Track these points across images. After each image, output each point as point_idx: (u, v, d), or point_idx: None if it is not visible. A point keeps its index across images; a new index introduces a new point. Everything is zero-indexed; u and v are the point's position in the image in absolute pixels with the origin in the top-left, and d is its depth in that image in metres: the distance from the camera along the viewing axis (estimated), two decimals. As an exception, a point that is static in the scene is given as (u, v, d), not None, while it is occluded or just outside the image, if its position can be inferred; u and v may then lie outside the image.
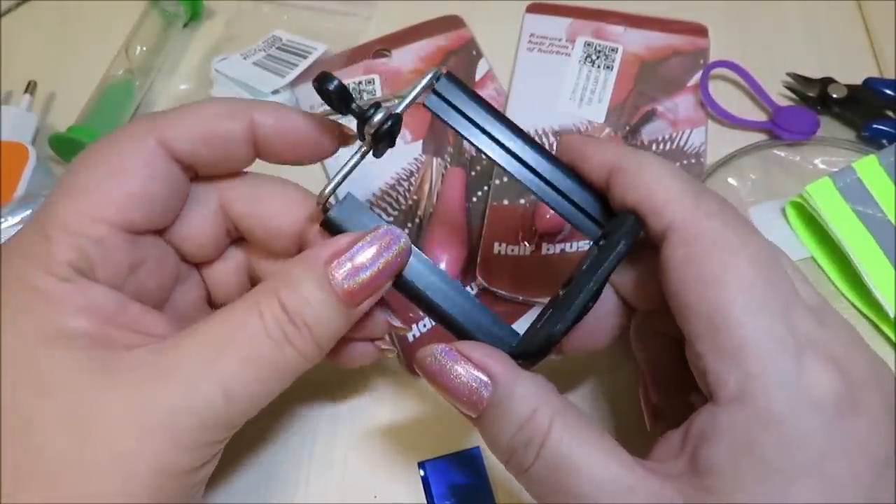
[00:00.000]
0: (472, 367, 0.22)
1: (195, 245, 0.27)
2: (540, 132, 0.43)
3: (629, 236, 0.23)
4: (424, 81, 0.25)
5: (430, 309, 0.25)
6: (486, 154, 0.26)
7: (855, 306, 0.37)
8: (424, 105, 0.26)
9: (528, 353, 0.23)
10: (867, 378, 0.20)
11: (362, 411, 0.34)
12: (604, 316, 0.26)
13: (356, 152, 0.25)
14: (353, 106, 0.24)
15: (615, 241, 0.23)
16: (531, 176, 0.26)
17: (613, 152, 0.24)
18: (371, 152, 0.25)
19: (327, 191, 0.25)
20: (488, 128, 0.26)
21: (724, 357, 0.20)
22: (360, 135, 0.25)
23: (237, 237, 0.29)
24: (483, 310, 0.25)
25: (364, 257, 0.23)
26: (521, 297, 0.36)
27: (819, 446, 0.19)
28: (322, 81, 0.24)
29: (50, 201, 0.23)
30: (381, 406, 0.34)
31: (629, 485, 0.20)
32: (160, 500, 0.21)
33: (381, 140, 0.24)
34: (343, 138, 0.27)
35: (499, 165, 0.26)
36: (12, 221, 0.38)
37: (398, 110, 0.25)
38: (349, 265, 0.23)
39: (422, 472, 0.32)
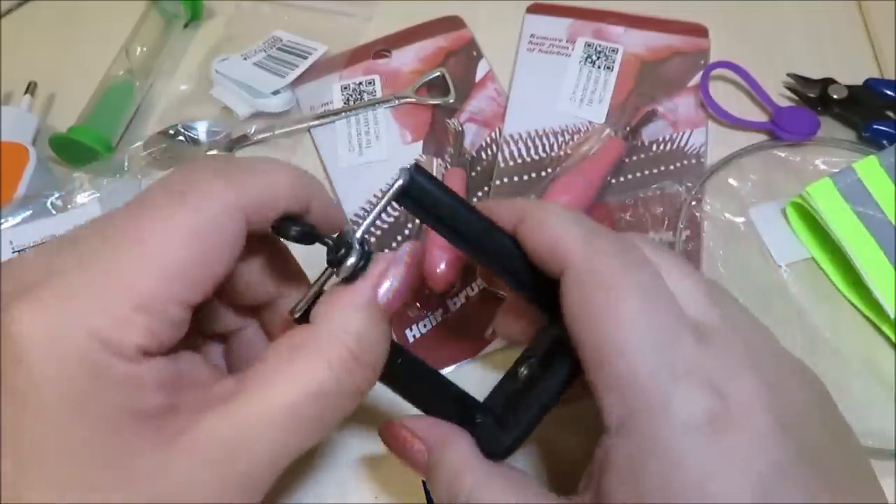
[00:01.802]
0: (413, 437, 0.26)
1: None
2: (540, 132, 0.43)
3: (567, 368, 0.24)
4: (394, 189, 0.24)
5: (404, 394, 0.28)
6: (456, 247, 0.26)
7: (855, 306, 0.37)
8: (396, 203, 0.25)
9: (493, 455, 0.26)
10: (751, 395, 0.21)
11: (362, 411, 0.34)
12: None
13: (323, 275, 0.25)
14: (324, 242, 0.24)
15: (555, 370, 0.25)
16: (493, 262, 0.26)
17: (519, 206, 0.25)
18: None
19: (299, 306, 0.25)
20: (457, 223, 0.25)
21: (609, 390, 0.21)
22: (329, 261, 0.24)
23: None
24: (443, 389, 0.27)
25: (395, 280, 0.25)
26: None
27: (698, 468, 0.20)
28: (281, 229, 0.23)
29: (103, 276, 0.20)
30: (381, 406, 0.34)
31: None
32: None
33: (355, 276, 0.24)
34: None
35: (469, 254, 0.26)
36: (12, 222, 0.38)
37: (367, 247, 0.24)
38: (385, 291, 0.25)
39: (422, 473, 0.32)
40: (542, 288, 0.25)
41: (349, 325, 0.23)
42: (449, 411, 0.27)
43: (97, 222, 0.22)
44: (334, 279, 0.25)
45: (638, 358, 0.21)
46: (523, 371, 0.26)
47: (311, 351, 0.22)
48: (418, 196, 0.24)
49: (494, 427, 0.26)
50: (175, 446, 0.20)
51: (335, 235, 0.24)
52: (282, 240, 0.25)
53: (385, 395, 0.34)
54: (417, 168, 0.24)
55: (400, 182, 0.23)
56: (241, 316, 0.28)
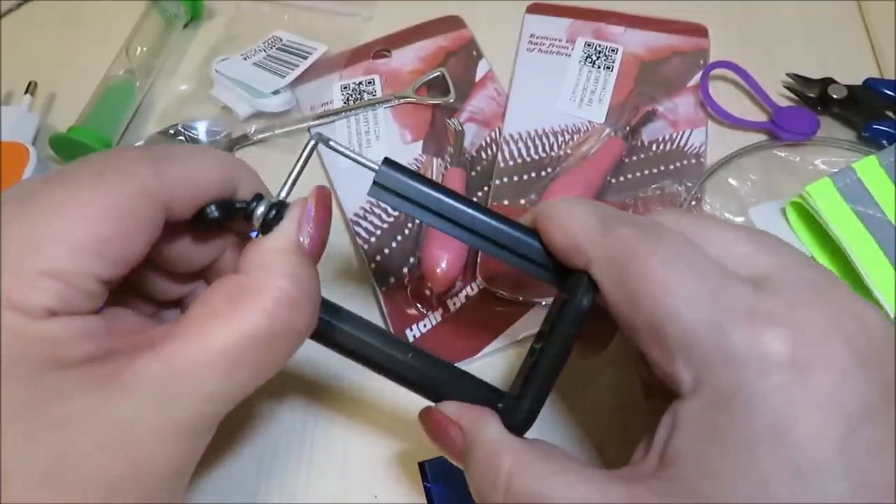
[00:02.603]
0: (449, 422, 0.25)
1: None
2: (540, 132, 0.43)
3: (587, 296, 0.24)
4: (306, 152, 0.26)
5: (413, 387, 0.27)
6: (438, 229, 0.27)
7: (855, 307, 0.37)
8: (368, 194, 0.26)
9: (513, 429, 0.25)
10: (827, 331, 0.20)
11: (362, 411, 0.34)
12: (593, 332, 0.28)
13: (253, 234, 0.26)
14: (238, 206, 0.25)
15: (575, 304, 0.24)
16: (482, 241, 0.27)
17: (532, 211, 0.26)
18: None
19: None
20: (435, 205, 0.26)
21: (671, 358, 0.21)
22: (245, 216, 0.25)
23: None
24: (463, 378, 0.27)
25: (316, 220, 0.25)
26: (520, 297, 0.36)
27: (777, 411, 0.19)
28: (201, 219, 0.24)
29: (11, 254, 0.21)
30: (382, 406, 0.34)
31: (598, 499, 0.21)
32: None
33: (270, 226, 0.25)
34: None
35: (452, 235, 0.27)
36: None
37: (280, 195, 0.26)
38: (310, 231, 0.25)
39: (422, 473, 0.32)
40: (541, 263, 0.26)
41: (279, 267, 0.23)
42: (474, 400, 0.26)
43: (16, 190, 0.22)
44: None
45: (694, 316, 0.20)
46: (536, 346, 0.26)
47: (245, 294, 0.23)
48: (392, 186, 0.26)
49: (514, 403, 0.25)
50: (112, 387, 0.20)
51: (249, 199, 0.25)
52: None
53: (387, 394, 0.34)
54: (386, 160, 0.26)
55: (311, 144, 0.26)
56: (185, 283, 0.29)
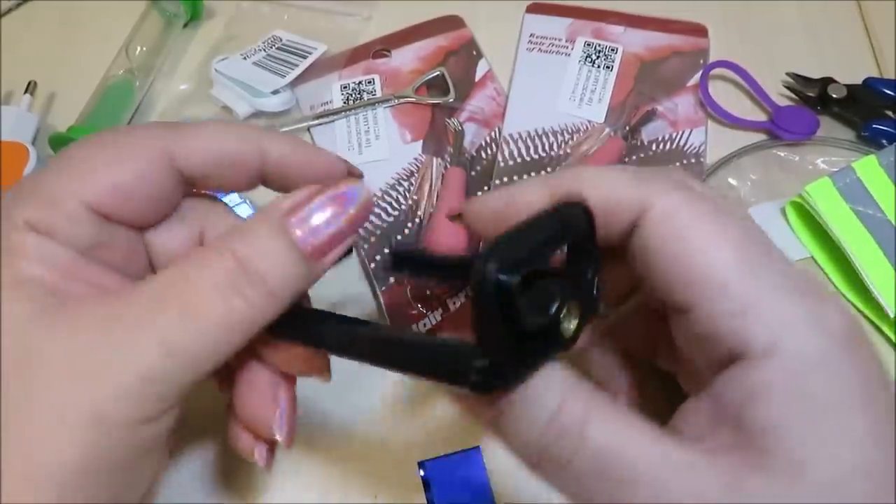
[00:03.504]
0: None
1: (167, 257, 0.26)
2: (540, 132, 0.43)
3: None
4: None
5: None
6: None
7: (855, 306, 0.37)
8: None
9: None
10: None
11: (362, 411, 0.34)
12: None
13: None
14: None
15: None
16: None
17: (556, 177, 0.24)
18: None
19: None
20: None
21: (737, 316, 0.20)
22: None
23: None
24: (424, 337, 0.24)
25: (324, 214, 0.23)
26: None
27: (854, 378, 0.19)
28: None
29: (35, 172, 0.23)
30: (382, 406, 0.34)
31: (688, 461, 0.19)
32: (103, 451, 0.20)
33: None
34: (352, 176, 0.27)
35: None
36: None
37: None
38: (310, 221, 0.22)
39: (422, 472, 0.32)
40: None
41: (251, 232, 0.22)
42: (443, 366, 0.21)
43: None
44: None
45: (764, 278, 0.20)
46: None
47: (199, 250, 0.22)
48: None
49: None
50: (46, 319, 0.21)
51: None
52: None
53: (388, 393, 0.34)
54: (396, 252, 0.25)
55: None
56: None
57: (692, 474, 0.19)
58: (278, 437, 0.25)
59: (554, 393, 0.20)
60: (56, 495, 0.20)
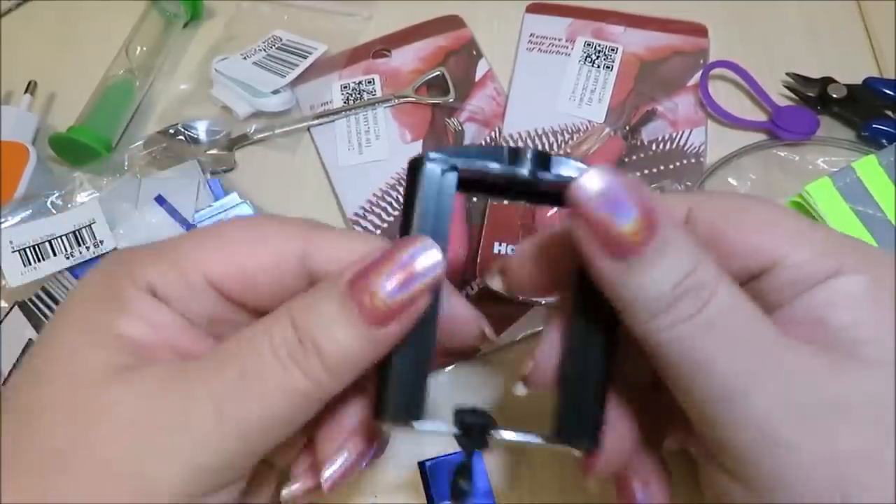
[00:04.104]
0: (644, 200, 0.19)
1: None
2: (540, 132, 0.43)
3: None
4: None
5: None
6: None
7: (855, 306, 0.37)
8: None
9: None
10: None
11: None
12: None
13: None
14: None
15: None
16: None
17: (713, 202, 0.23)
18: None
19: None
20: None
21: (824, 255, 0.21)
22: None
23: None
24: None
25: (393, 283, 0.20)
26: (521, 297, 0.36)
27: None
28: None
29: (175, 237, 0.23)
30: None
31: (797, 344, 0.20)
32: None
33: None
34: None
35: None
36: (12, 221, 0.38)
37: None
38: (376, 287, 0.20)
39: (422, 472, 0.32)
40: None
41: (311, 300, 0.21)
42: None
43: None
44: None
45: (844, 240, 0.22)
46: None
47: (266, 318, 0.21)
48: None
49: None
50: (119, 375, 0.20)
51: None
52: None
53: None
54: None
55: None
56: None
57: (803, 352, 0.20)
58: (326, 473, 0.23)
59: (691, 251, 0.20)
60: None
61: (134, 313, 0.21)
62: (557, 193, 0.21)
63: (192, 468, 0.20)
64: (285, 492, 0.24)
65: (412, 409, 0.21)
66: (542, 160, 0.22)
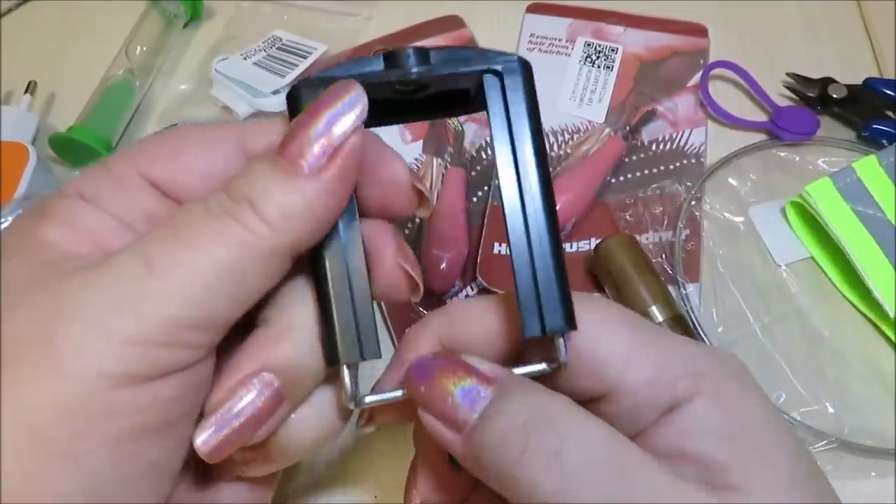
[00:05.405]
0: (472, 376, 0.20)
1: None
2: (540, 132, 0.43)
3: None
4: None
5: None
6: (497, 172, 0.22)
7: (855, 306, 0.37)
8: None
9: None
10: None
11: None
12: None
13: None
14: None
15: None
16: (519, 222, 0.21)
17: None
18: None
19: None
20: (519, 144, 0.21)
21: (674, 375, 0.21)
22: None
23: None
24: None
25: (319, 127, 0.19)
26: (521, 297, 0.36)
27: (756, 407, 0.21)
28: None
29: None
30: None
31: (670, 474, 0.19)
32: (104, 404, 0.17)
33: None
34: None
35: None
36: (12, 221, 0.38)
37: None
38: (305, 140, 0.19)
39: (422, 472, 0.32)
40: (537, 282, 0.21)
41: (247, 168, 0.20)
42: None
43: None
44: None
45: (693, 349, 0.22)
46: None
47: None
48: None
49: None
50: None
51: None
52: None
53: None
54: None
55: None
56: None
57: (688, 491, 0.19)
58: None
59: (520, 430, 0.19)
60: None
61: (57, 219, 0.21)
62: (458, 93, 0.20)
63: (121, 339, 0.17)
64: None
65: (366, 345, 0.20)
66: (423, 57, 0.20)
